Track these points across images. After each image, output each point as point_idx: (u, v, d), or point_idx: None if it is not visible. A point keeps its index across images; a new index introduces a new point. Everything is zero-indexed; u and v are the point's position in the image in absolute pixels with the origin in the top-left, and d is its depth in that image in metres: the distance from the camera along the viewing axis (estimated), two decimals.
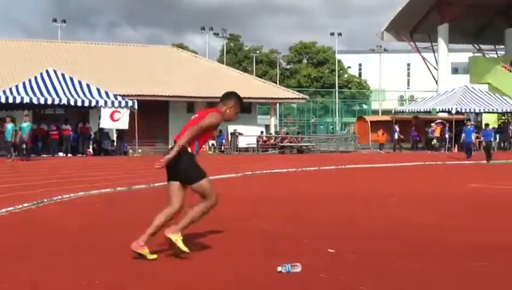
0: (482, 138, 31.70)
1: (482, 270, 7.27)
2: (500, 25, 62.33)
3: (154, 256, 7.68)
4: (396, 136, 46.26)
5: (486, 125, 34.97)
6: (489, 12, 61.58)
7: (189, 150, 7.69)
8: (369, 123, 49.99)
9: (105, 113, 36.03)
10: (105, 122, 36.41)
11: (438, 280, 6.82)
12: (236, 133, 42.98)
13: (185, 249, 7.67)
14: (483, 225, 10.76)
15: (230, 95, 8.09)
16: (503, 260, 7.78)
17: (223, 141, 43.87)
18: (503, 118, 52.17)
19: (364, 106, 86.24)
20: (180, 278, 6.88)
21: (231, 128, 43.53)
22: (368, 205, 13.62)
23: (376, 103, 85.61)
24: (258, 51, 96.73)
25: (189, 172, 7.71)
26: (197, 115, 7.97)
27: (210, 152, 43.18)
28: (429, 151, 44.11)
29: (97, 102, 35.78)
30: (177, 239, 7.67)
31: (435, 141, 45.50)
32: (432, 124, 46.73)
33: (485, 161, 30.37)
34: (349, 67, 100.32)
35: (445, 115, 49.33)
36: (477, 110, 46.63)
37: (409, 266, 7.44)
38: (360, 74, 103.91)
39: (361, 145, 48.14)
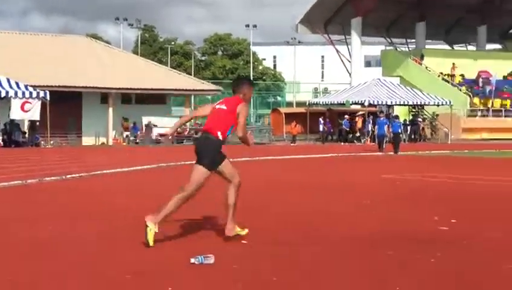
0: (390, 130, 32.34)
1: (390, 258, 7.43)
2: (411, 19, 63.79)
3: (244, 231, 8.22)
4: (321, 128, 46.79)
5: (396, 117, 35.70)
6: (401, 6, 62.92)
7: (220, 137, 8.09)
8: (283, 115, 50.33)
9: (15, 104, 35.34)
10: (16, 113, 35.73)
11: (349, 268, 6.93)
12: (151, 125, 42.66)
13: (150, 242, 7.67)
14: (393, 214, 10.98)
15: (241, 82, 8.49)
16: (409, 249, 7.95)
17: (138, 132, 43.52)
18: (413, 110, 53.39)
19: (279, 98, 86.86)
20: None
21: (145, 119, 43.22)
22: (280, 196, 13.72)
23: (290, 95, 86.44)
24: (172, 42, 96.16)
25: (211, 157, 8.08)
26: (224, 107, 8.16)
27: (124, 143, 42.79)
28: (342, 143, 44.81)
29: (7, 92, 35.01)
30: (152, 229, 7.70)
31: (358, 133, 46.41)
32: (346, 116, 47.50)
33: (392, 153, 30.98)
34: (264, 59, 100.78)
35: (359, 107, 50.21)
36: (389, 103, 47.69)
37: (321, 255, 7.54)
38: (274, 66, 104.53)
39: (276, 137, 48.49)
